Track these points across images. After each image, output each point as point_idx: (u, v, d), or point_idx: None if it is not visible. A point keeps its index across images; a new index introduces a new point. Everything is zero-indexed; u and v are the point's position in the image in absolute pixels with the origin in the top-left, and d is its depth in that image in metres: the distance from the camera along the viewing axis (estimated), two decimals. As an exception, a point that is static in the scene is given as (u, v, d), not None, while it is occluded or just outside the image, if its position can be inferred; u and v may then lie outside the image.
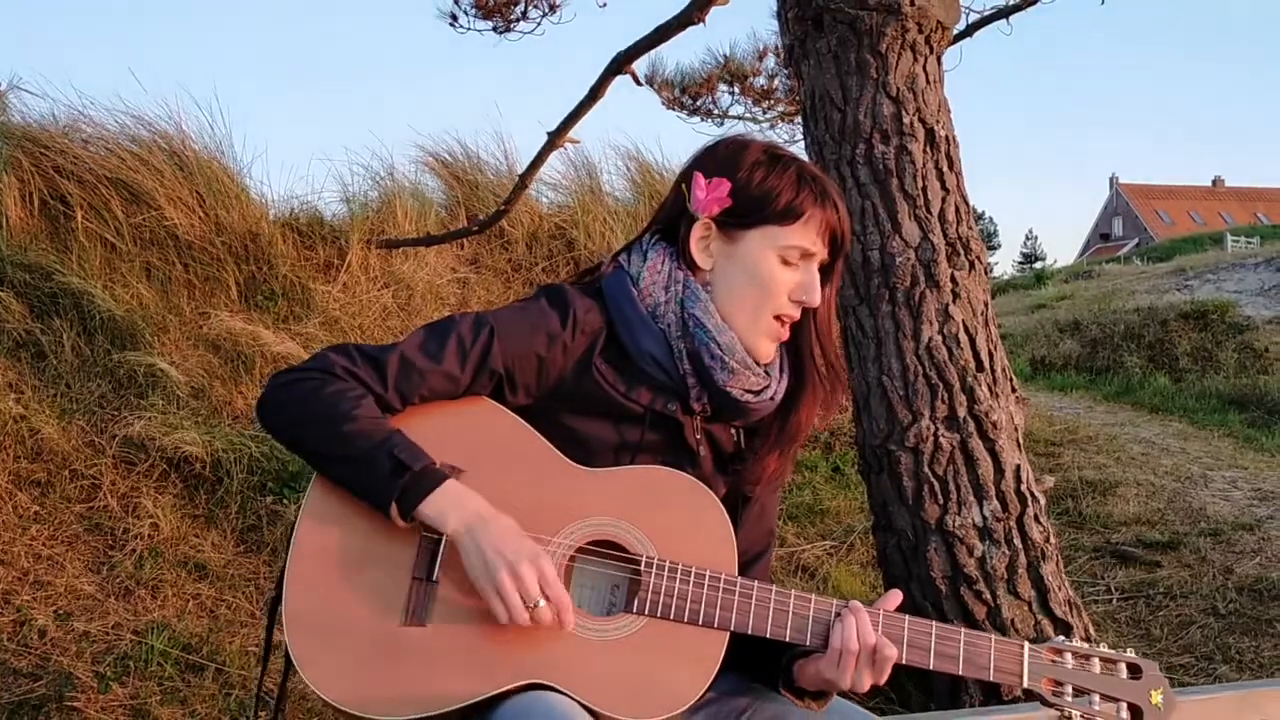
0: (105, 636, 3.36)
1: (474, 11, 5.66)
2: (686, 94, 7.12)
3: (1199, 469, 6.09)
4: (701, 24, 4.55)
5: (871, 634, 1.47)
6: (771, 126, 7.40)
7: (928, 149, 3.22)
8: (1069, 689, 1.53)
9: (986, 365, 3.22)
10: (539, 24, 5.65)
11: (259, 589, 3.78)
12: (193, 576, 3.73)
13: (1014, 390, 3.34)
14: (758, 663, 1.61)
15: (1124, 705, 1.53)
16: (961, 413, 3.16)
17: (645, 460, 1.59)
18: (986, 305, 3.31)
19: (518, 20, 5.69)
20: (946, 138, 3.26)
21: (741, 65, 7.08)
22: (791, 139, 7.39)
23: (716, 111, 7.29)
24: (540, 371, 1.57)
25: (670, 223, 1.68)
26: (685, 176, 1.66)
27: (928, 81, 3.24)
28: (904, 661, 1.51)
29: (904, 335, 3.19)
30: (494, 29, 5.79)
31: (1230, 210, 61.31)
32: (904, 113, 3.20)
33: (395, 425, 1.49)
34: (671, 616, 1.47)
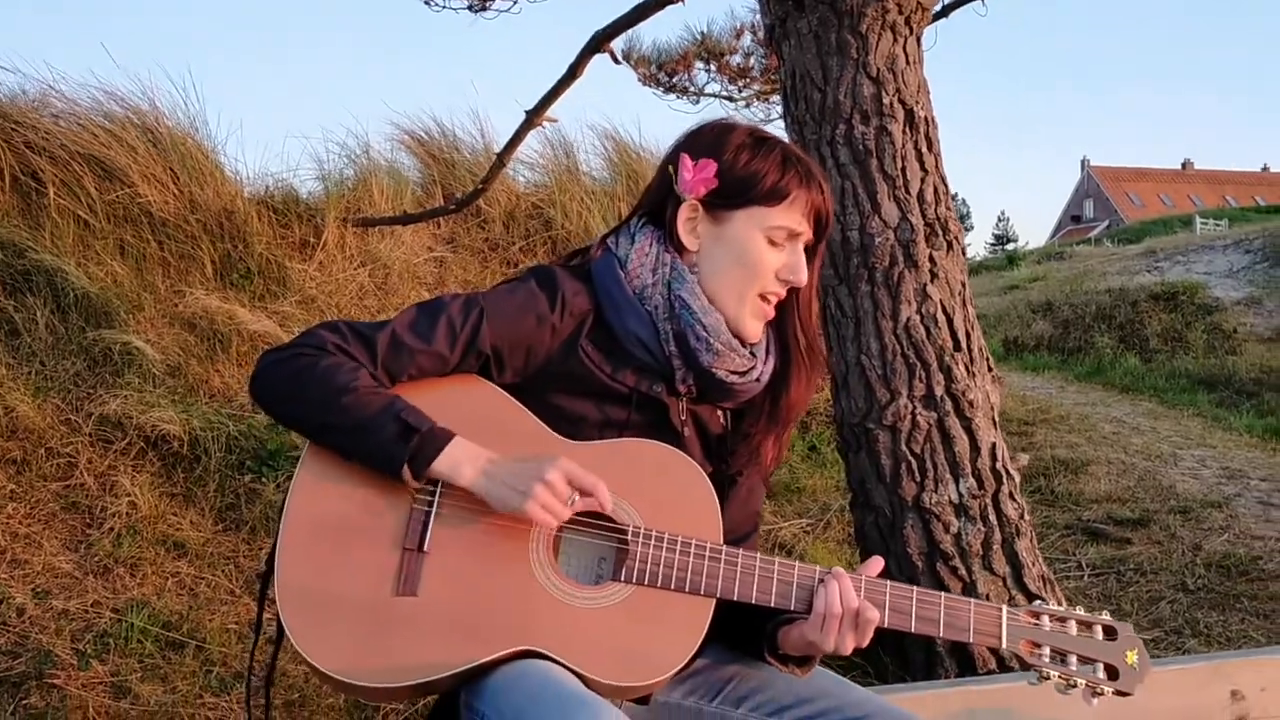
0: (84, 614, 3.35)
1: (450, -11, 5.62)
2: (663, 71, 7.11)
3: (1169, 448, 6.18)
4: (681, 3, 4.55)
5: (854, 598, 1.51)
6: (747, 105, 7.40)
7: (907, 130, 3.24)
8: (1047, 650, 1.57)
9: (964, 345, 3.25)
10: (515, 1, 5.63)
11: (239, 567, 3.78)
12: (171, 555, 3.72)
13: (990, 369, 3.39)
14: (742, 632, 1.64)
15: (1100, 665, 1.57)
16: (939, 391, 3.20)
17: (630, 437, 1.61)
18: (964, 285, 3.34)
19: (494, -2, 5.65)
20: (926, 118, 3.28)
21: (718, 43, 7.08)
22: (767, 118, 7.42)
23: (693, 89, 7.29)
24: (528, 352, 1.59)
25: (657, 205, 1.69)
26: (671, 159, 1.68)
27: (907, 62, 3.26)
28: (886, 625, 1.55)
29: (883, 315, 3.22)
30: (469, 7, 5.76)
31: (1199, 193, 61.85)
32: (884, 93, 3.22)
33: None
34: (659, 584, 1.50)
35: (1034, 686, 1.61)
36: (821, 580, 1.53)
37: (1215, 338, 9.70)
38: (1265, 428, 7.06)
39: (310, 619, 1.42)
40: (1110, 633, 1.60)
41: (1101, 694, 1.56)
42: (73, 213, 4.99)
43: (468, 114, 8.95)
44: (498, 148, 6.69)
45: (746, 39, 7.04)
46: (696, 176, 1.62)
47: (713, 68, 7.11)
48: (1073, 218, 65.08)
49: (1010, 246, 52.78)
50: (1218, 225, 28.84)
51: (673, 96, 7.20)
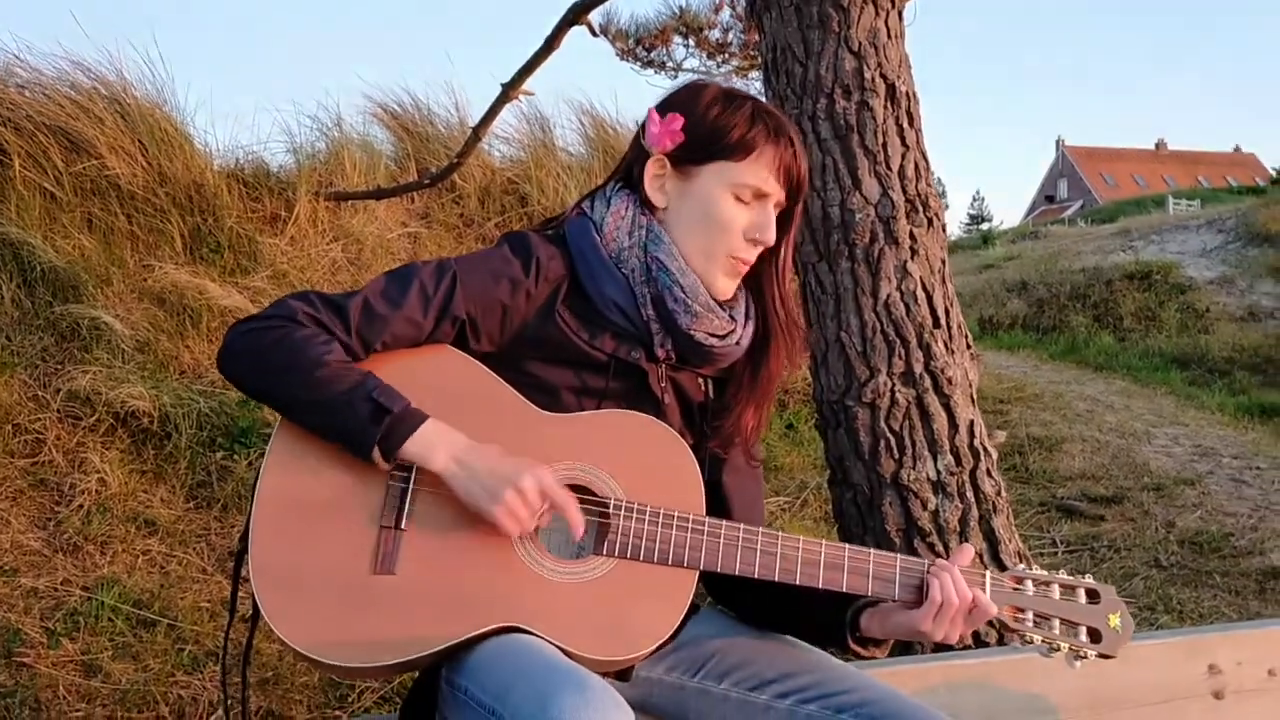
0: (54, 592, 3.30)
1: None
2: (641, 45, 7.05)
3: (1142, 426, 6.22)
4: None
5: (968, 589, 1.52)
6: (725, 81, 7.35)
7: (888, 105, 3.21)
8: (1030, 615, 1.56)
9: (943, 322, 3.24)
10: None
11: (210, 545, 3.74)
12: (142, 532, 3.67)
13: (969, 347, 3.38)
14: (808, 618, 1.63)
15: (1083, 629, 1.57)
16: (918, 369, 3.19)
17: (610, 406, 1.59)
18: (943, 263, 3.33)
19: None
20: (907, 94, 3.26)
21: (697, 17, 7.02)
22: (746, 94, 7.38)
23: (671, 64, 7.24)
24: (503, 318, 1.56)
25: (630, 166, 1.67)
26: (643, 121, 1.65)
27: (889, 36, 3.23)
28: (870, 594, 1.55)
29: (863, 292, 3.20)
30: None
31: (1172, 173, 62.31)
32: (865, 68, 3.19)
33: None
34: (641, 558, 1.47)
35: (1016, 659, 1.61)
36: (930, 571, 1.53)
37: (1188, 317, 9.78)
38: (1237, 406, 7.12)
39: (286, 598, 1.39)
40: (1093, 596, 1.59)
41: (1085, 657, 1.56)
42: (39, 185, 4.90)
43: (442, 87, 8.85)
44: (472, 121, 6.61)
45: (725, 14, 7.00)
46: (663, 130, 1.60)
47: (691, 42, 7.06)
48: (1047, 198, 65.41)
49: (985, 226, 53.00)
50: (1190, 205, 29.03)
51: (650, 71, 7.15)
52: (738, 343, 1.65)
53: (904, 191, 3.21)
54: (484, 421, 1.48)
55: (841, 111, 3.18)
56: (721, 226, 1.60)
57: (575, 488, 1.49)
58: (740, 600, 1.70)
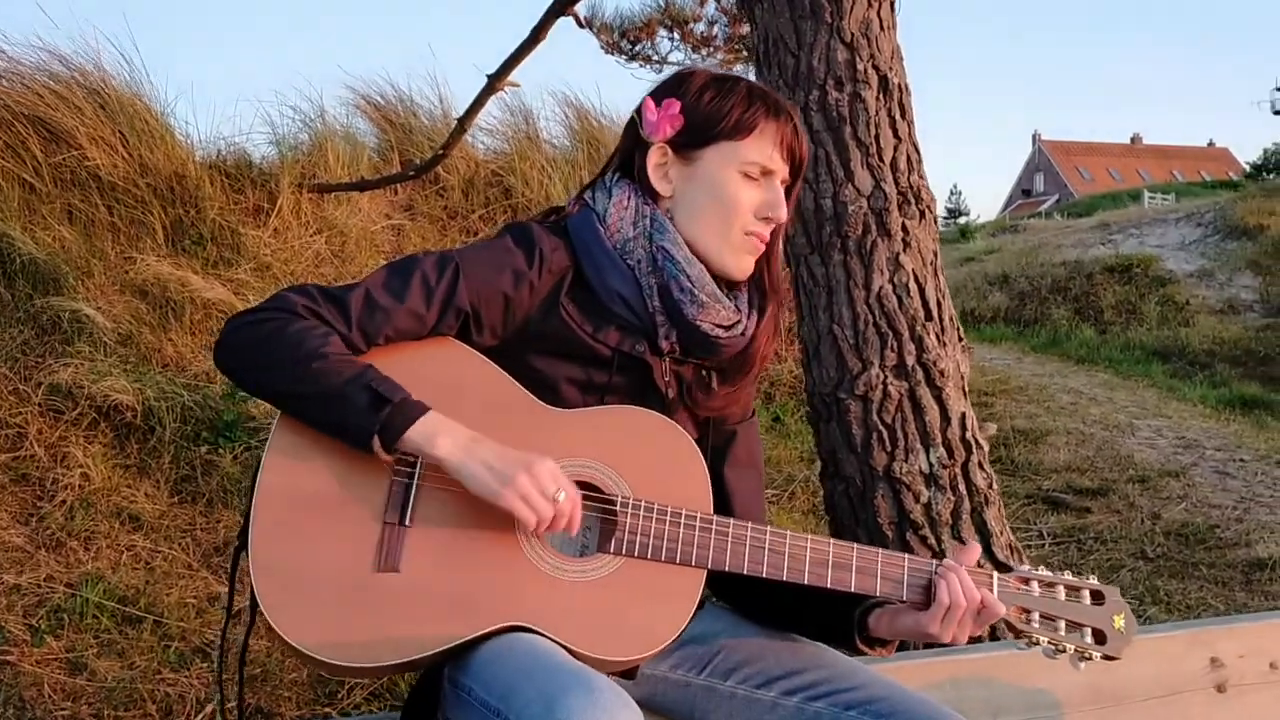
0: (37, 589, 3.26)
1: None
2: (626, 38, 7.01)
3: (1125, 418, 6.25)
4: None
5: (975, 590, 1.51)
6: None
7: (881, 96, 3.20)
8: (1036, 616, 1.55)
9: (935, 314, 3.23)
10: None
11: (195, 540, 3.70)
12: (126, 528, 3.63)
13: (960, 339, 3.38)
14: (816, 617, 1.61)
15: (1088, 630, 1.55)
16: (910, 361, 3.18)
17: (613, 401, 1.57)
18: (935, 255, 3.32)
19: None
20: (899, 85, 3.24)
21: (682, 10, 6.99)
22: (731, 88, 7.36)
23: (655, 57, 7.21)
24: (507, 311, 1.53)
25: (628, 157, 1.65)
26: (638, 109, 1.63)
27: (881, 28, 3.22)
28: (878, 594, 1.53)
29: (855, 284, 3.19)
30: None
31: (1147, 167, 62.73)
32: (858, 59, 3.17)
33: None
34: (649, 556, 1.45)
35: (1019, 654, 1.59)
36: (937, 572, 1.52)
37: (1168, 310, 9.86)
38: (1218, 398, 7.17)
39: (287, 597, 1.36)
40: (1098, 597, 1.58)
41: (1089, 659, 1.55)
42: (17, 176, 4.83)
43: (425, 78, 8.79)
44: (456, 113, 6.56)
45: (711, 7, 6.97)
46: (661, 116, 1.58)
47: (676, 36, 7.04)
48: (1023, 191, 65.73)
49: (962, 220, 53.24)
50: (1165, 199, 29.22)
51: (635, 64, 7.12)
52: (743, 333, 1.62)
53: (896, 183, 3.20)
54: (488, 416, 1.45)
55: (834, 103, 3.17)
56: (733, 205, 1.57)
57: (582, 484, 1.46)
58: (745, 597, 1.69)
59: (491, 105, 5.96)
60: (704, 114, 1.57)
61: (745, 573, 1.48)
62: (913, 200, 3.23)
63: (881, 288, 3.18)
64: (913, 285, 3.21)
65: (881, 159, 3.19)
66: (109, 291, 4.61)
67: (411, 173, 5.54)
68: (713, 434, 1.67)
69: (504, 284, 1.52)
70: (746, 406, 1.72)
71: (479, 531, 1.41)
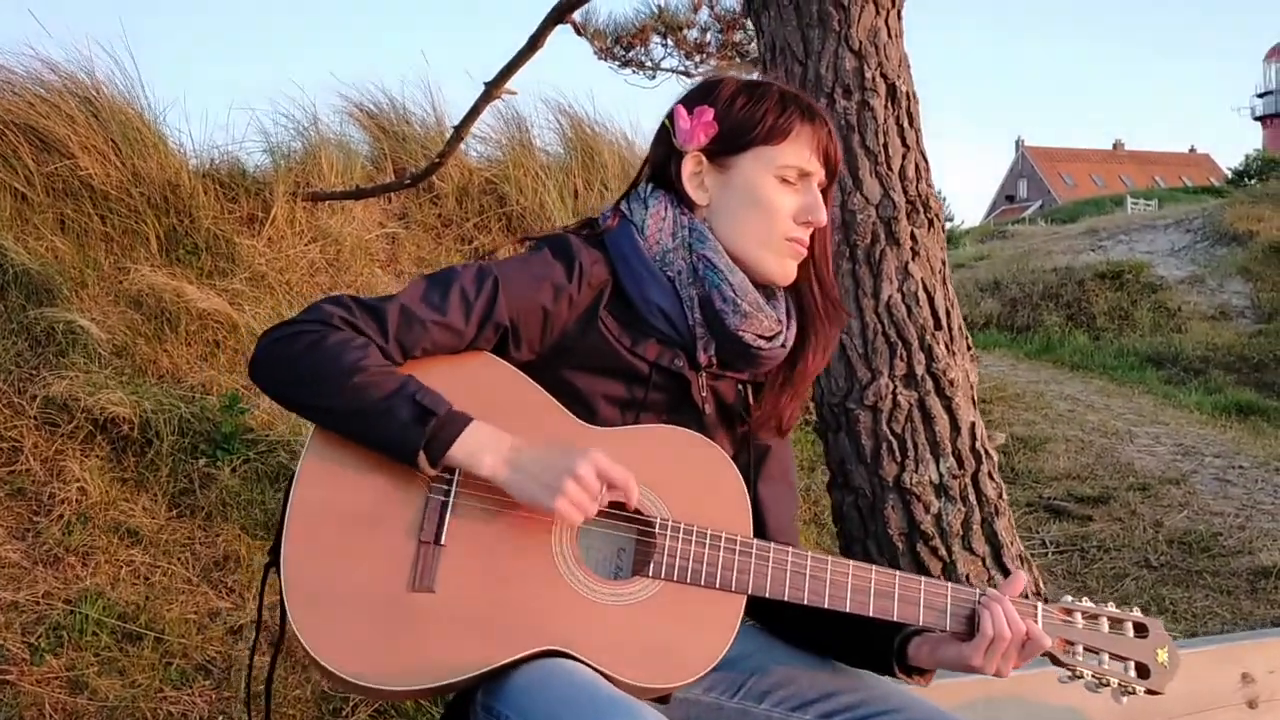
0: (35, 606, 3.20)
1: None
2: (619, 44, 6.99)
3: (1123, 425, 6.26)
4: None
5: (1021, 622, 1.49)
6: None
7: (889, 105, 3.19)
8: (1080, 648, 1.54)
9: (944, 323, 3.22)
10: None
11: (195, 555, 3.64)
12: (125, 542, 3.57)
13: (969, 348, 3.36)
14: (848, 642, 1.59)
15: (1131, 664, 1.54)
16: (920, 371, 3.17)
17: (649, 418, 1.54)
18: (943, 263, 3.31)
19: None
20: (907, 93, 3.23)
21: (675, 16, 6.97)
22: (723, 95, 7.35)
23: (649, 64, 7.18)
24: (545, 325, 1.50)
25: (660, 167, 1.62)
26: (668, 117, 1.61)
27: (889, 36, 3.21)
28: (920, 624, 1.51)
29: (864, 293, 3.17)
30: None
31: (1129, 173, 63.03)
32: (866, 67, 3.16)
33: None
34: (688, 580, 1.42)
35: (1052, 673, 1.58)
36: (981, 602, 1.50)
37: (1160, 316, 9.89)
38: (1214, 405, 7.19)
39: (321, 617, 1.32)
40: (1141, 629, 1.57)
41: (1132, 693, 1.54)
42: (9, 185, 4.76)
43: (418, 86, 8.71)
44: (449, 121, 6.51)
45: (704, 13, 6.95)
46: (695, 125, 1.55)
47: (670, 42, 7.01)
48: (1007, 197, 65.94)
49: (948, 225, 53.29)
50: (1148, 205, 29.35)
51: (629, 71, 7.09)
52: (783, 344, 1.60)
53: (905, 192, 3.19)
54: (525, 433, 1.42)
55: (842, 111, 3.15)
56: (771, 210, 1.56)
57: (620, 505, 1.43)
58: (779, 619, 1.66)
59: (484, 113, 5.94)
60: (737, 120, 1.55)
61: (786, 599, 1.45)
62: (921, 209, 3.22)
63: (890, 297, 3.17)
64: (921, 294, 3.19)
65: (890, 167, 3.17)
66: (103, 302, 4.55)
67: (408, 181, 5.50)
68: (750, 450, 1.65)
69: (543, 298, 1.49)
70: (792, 423, 1.70)
71: (515, 551, 1.38)
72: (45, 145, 4.96)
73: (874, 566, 1.50)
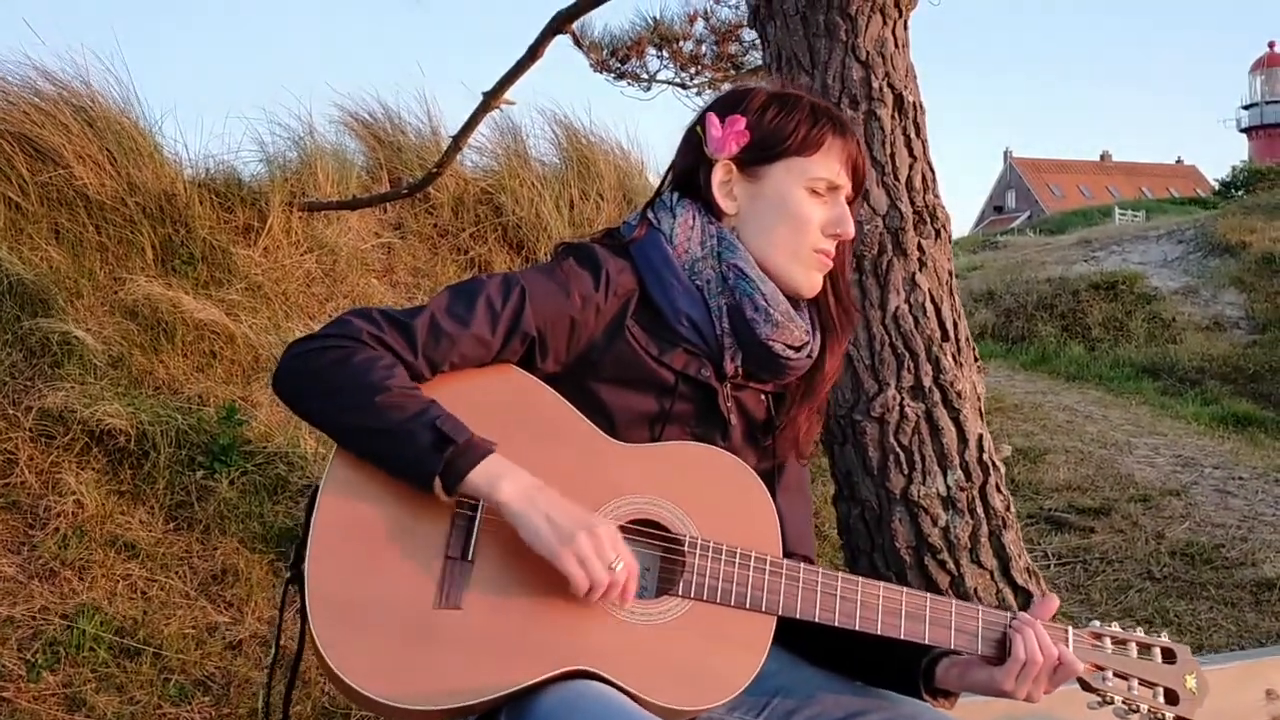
0: (31, 621, 3.15)
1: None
2: (615, 56, 6.97)
3: (1122, 436, 6.25)
4: (649, -17, 4.44)
5: (1053, 645, 1.48)
6: (699, 93, 7.32)
7: (896, 115, 3.17)
8: (1109, 673, 1.52)
9: (951, 335, 3.20)
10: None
11: (193, 569, 3.60)
12: (122, 556, 3.52)
13: (975, 359, 3.34)
14: (872, 664, 1.56)
15: (1160, 690, 1.53)
16: (927, 382, 3.14)
17: (675, 430, 1.52)
18: (950, 274, 3.29)
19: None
20: (914, 104, 3.22)
21: (671, 28, 6.97)
22: (720, 106, 7.35)
23: (645, 76, 7.18)
24: (571, 335, 1.48)
25: (687, 175, 1.60)
26: (693, 127, 1.60)
27: (896, 46, 3.19)
28: (951, 647, 1.49)
29: (871, 304, 3.15)
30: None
31: (1117, 184, 63.29)
32: (873, 77, 3.14)
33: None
34: (717, 600, 1.40)
35: (1076, 691, 1.55)
36: (1012, 626, 1.48)
37: (1155, 327, 9.92)
38: (1212, 415, 7.20)
39: (346, 635, 1.29)
40: (1169, 655, 1.56)
41: (1162, 719, 1.51)
42: (3, 195, 4.73)
43: (414, 96, 8.69)
44: (445, 131, 6.49)
45: (700, 25, 6.94)
46: (726, 134, 1.54)
47: (665, 54, 7.00)
48: (995, 208, 66.16)
49: (936, 236, 53.30)
50: (1135, 216, 29.48)
51: (624, 83, 7.08)
52: (809, 354, 1.59)
53: (912, 203, 3.17)
54: (552, 448, 1.39)
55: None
56: (801, 222, 1.54)
57: (646, 522, 1.41)
58: (802, 638, 1.63)
59: (480, 123, 5.91)
60: (770, 130, 1.54)
61: (816, 620, 1.43)
62: (928, 219, 3.20)
63: (898, 308, 3.14)
64: (929, 305, 3.17)
65: (897, 178, 3.15)
66: (99, 313, 4.51)
67: (405, 190, 5.48)
68: (772, 460, 1.62)
69: (571, 308, 1.46)
70: (810, 440, 1.68)
71: (543, 568, 1.35)
72: (40, 154, 4.93)
73: (904, 588, 1.48)
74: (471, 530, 1.35)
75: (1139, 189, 60.73)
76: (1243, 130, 52.08)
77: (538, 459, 1.38)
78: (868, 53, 3.14)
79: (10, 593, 3.25)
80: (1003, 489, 3.24)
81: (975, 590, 3.12)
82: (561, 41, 5.54)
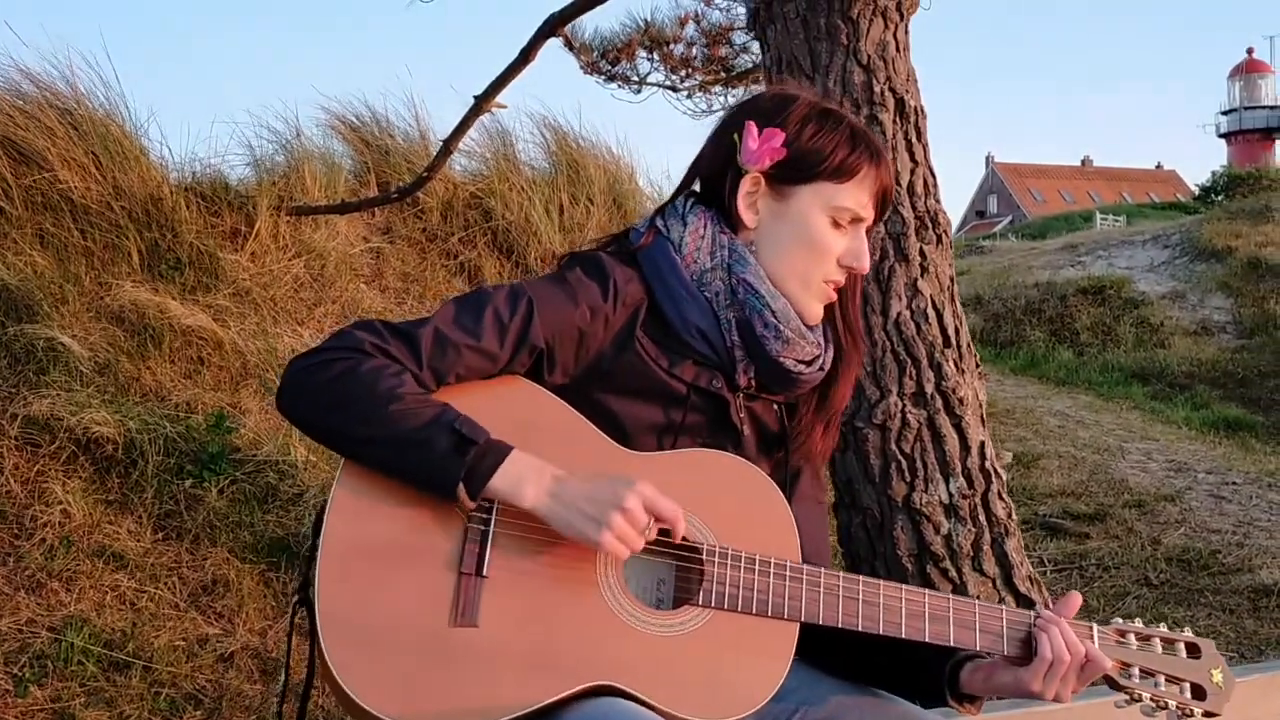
0: (18, 634, 3.09)
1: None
2: (605, 59, 6.94)
3: (1114, 441, 6.25)
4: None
5: (1080, 644, 1.44)
6: (689, 96, 7.30)
7: (897, 119, 3.15)
8: (1136, 670, 1.49)
9: (953, 341, 3.18)
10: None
11: (182, 579, 3.54)
12: (110, 566, 3.46)
13: (976, 365, 3.32)
14: (895, 670, 1.52)
15: (1187, 685, 1.50)
16: (929, 389, 3.12)
17: (686, 442, 1.48)
18: (952, 280, 3.27)
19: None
20: (915, 108, 3.19)
21: (662, 31, 6.93)
22: (709, 109, 7.33)
23: (635, 79, 7.14)
24: (580, 346, 1.44)
25: (713, 180, 1.56)
26: (729, 128, 1.54)
27: (898, 50, 3.17)
28: (977, 648, 1.46)
29: (873, 310, 3.12)
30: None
31: (1098, 189, 63.61)
32: (875, 81, 3.12)
33: None
34: (739, 608, 1.36)
35: (1097, 704, 1.52)
36: (1037, 625, 1.44)
37: (1143, 331, 9.94)
38: (1202, 420, 7.21)
39: (360, 656, 1.24)
40: (1193, 650, 1.53)
41: (1191, 715, 1.49)
42: (-13, 199, 4.65)
43: (402, 100, 8.63)
44: (433, 134, 6.44)
45: (691, 28, 6.92)
46: (763, 147, 1.48)
47: (655, 57, 6.97)
48: (977, 213, 66.38)
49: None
50: (1116, 221, 29.62)
51: (614, 85, 7.05)
52: (821, 368, 1.55)
53: (913, 208, 3.15)
54: (566, 459, 1.35)
55: (850, 126, 3.10)
56: (820, 251, 1.50)
57: (664, 531, 1.37)
58: (822, 648, 1.59)
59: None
60: (805, 149, 1.49)
61: (840, 626, 1.39)
62: (930, 225, 3.17)
63: (900, 314, 3.12)
64: (930, 311, 3.15)
65: (899, 183, 3.13)
66: (84, 319, 4.43)
67: (395, 195, 5.42)
68: (786, 469, 1.59)
69: (579, 319, 1.42)
70: (827, 454, 1.65)
71: (559, 581, 1.31)
72: (24, 158, 4.85)
73: (926, 590, 1.45)
74: (485, 544, 1.31)
75: (1119, 194, 61.05)
76: (1221, 135, 52.43)
77: None
78: (869, 56, 3.11)
79: (-4, 605, 3.19)
80: (1004, 496, 3.21)
81: (978, 599, 3.09)
82: (551, 44, 5.51)
